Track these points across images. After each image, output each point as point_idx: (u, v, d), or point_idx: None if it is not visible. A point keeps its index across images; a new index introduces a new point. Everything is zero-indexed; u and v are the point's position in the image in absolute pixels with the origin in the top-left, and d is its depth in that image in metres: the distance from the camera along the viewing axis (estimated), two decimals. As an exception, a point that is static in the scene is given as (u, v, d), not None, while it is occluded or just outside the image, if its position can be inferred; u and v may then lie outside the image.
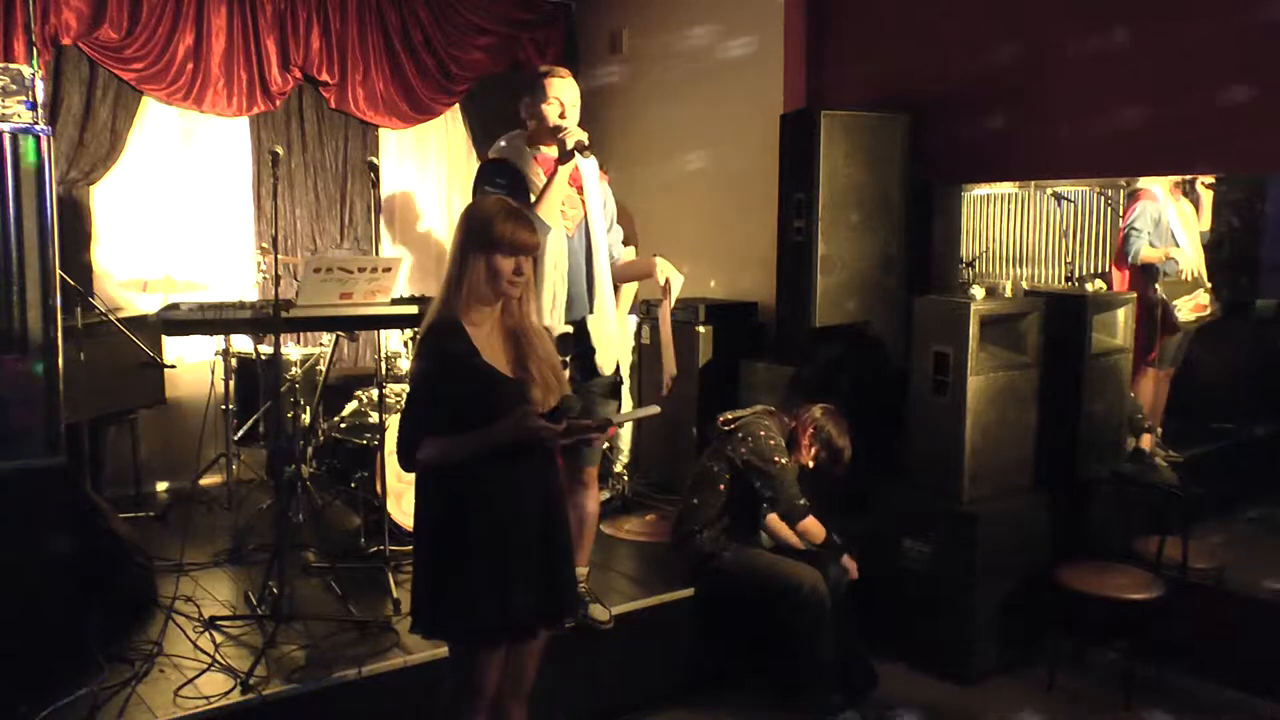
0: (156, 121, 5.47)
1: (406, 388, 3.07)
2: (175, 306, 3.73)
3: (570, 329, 3.47)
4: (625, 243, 3.77)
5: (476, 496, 2.52)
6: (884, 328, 4.86)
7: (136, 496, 5.09)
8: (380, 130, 6.14)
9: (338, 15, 5.80)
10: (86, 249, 5.23)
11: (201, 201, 5.63)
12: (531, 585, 2.56)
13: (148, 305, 5.13)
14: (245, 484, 5.37)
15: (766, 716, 3.84)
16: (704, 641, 4.01)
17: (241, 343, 5.13)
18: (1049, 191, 5.07)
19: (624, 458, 5.32)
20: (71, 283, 4.21)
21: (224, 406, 5.13)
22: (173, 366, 5.07)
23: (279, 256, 4.11)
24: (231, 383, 5.11)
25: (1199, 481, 4.62)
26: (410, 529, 3.82)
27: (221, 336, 5.05)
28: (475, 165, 3.79)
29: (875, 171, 4.80)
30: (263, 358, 4.93)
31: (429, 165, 6.43)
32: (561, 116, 3.38)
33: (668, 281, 3.45)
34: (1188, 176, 4.73)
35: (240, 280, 5.57)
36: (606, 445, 4.93)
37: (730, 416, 3.99)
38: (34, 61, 4.00)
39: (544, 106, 3.39)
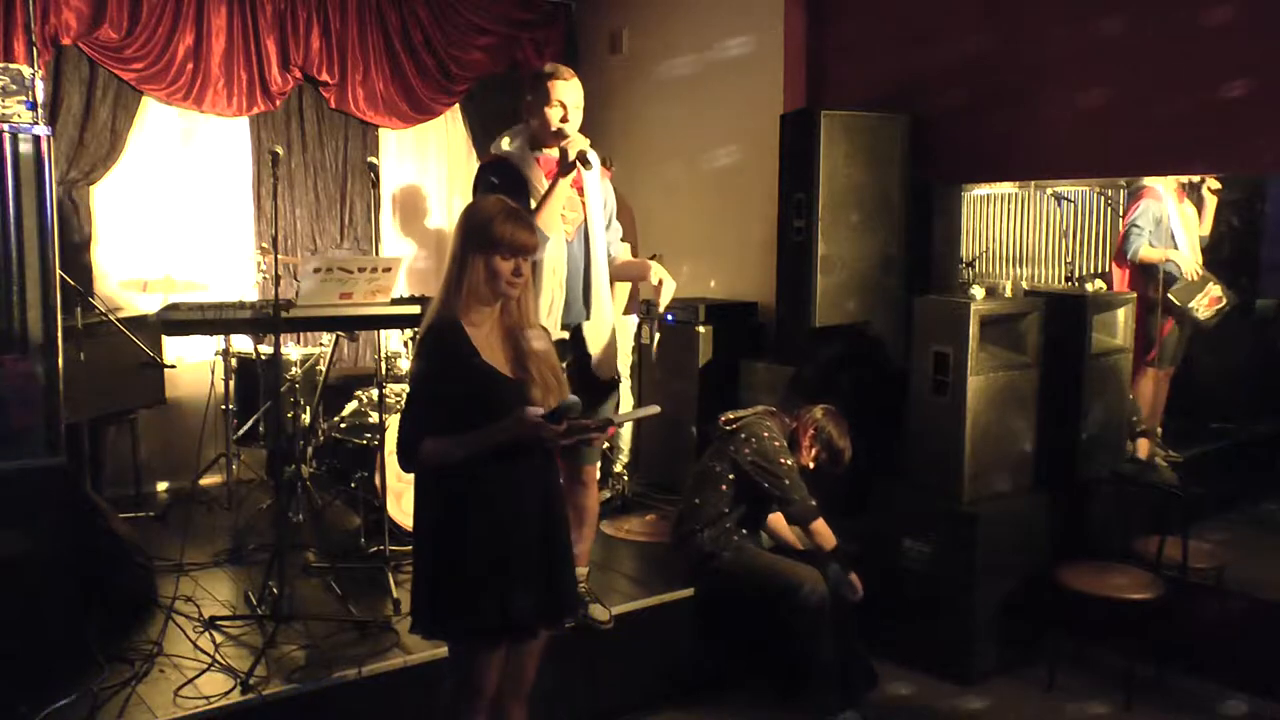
0: (156, 121, 5.47)
1: (406, 388, 3.07)
2: (175, 306, 3.73)
3: (566, 335, 3.46)
4: (622, 240, 3.76)
5: (476, 496, 2.52)
6: (884, 328, 4.86)
7: (136, 496, 5.09)
8: (380, 130, 6.14)
9: (338, 15, 5.80)
10: (86, 249, 5.23)
11: (201, 201, 5.63)
12: (531, 585, 2.56)
13: (148, 305, 5.13)
14: (245, 484, 5.37)
15: (766, 716, 3.84)
16: (704, 641, 4.01)
17: (241, 343, 5.13)
18: (1049, 191, 5.07)
19: (624, 457, 5.33)
20: (71, 283, 4.21)
21: (224, 406, 5.13)
22: (173, 366, 5.07)
23: (279, 256, 4.11)
24: (231, 383, 5.11)
25: (1199, 481, 4.62)
26: (410, 529, 3.82)
27: (221, 336, 5.06)
28: (475, 165, 3.79)
29: (875, 171, 4.81)
30: (263, 358, 4.93)
31: (429, 165, 6.43)
32: (564, 120, 3.36)
33: (661, 282, 3.48)
34: (1193, 179, 4.73)
35: (240, 280, 5.57)
36: (606, 445, 4.94)
37: (732, 416, 3.98)
38: (34, 61, 4.00)
39: (547, 110, 3.37)
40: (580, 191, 3.46)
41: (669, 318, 5.37)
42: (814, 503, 3.84)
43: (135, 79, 5.27)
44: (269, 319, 3.66)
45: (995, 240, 5.21)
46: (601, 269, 3.53)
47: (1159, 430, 4.95)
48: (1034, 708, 3.91)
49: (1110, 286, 4.81)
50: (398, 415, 3.53)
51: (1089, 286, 4.52)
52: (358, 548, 4.35)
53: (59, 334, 3.46)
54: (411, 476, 2.73)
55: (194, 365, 5.44)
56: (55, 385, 3.42)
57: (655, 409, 2.75)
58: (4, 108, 3.38)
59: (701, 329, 5.27)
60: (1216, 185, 4.79)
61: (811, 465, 3.93)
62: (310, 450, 4.84)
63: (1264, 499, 4.82)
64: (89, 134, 5.19)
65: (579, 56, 6.63)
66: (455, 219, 2.98)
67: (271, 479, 5.11)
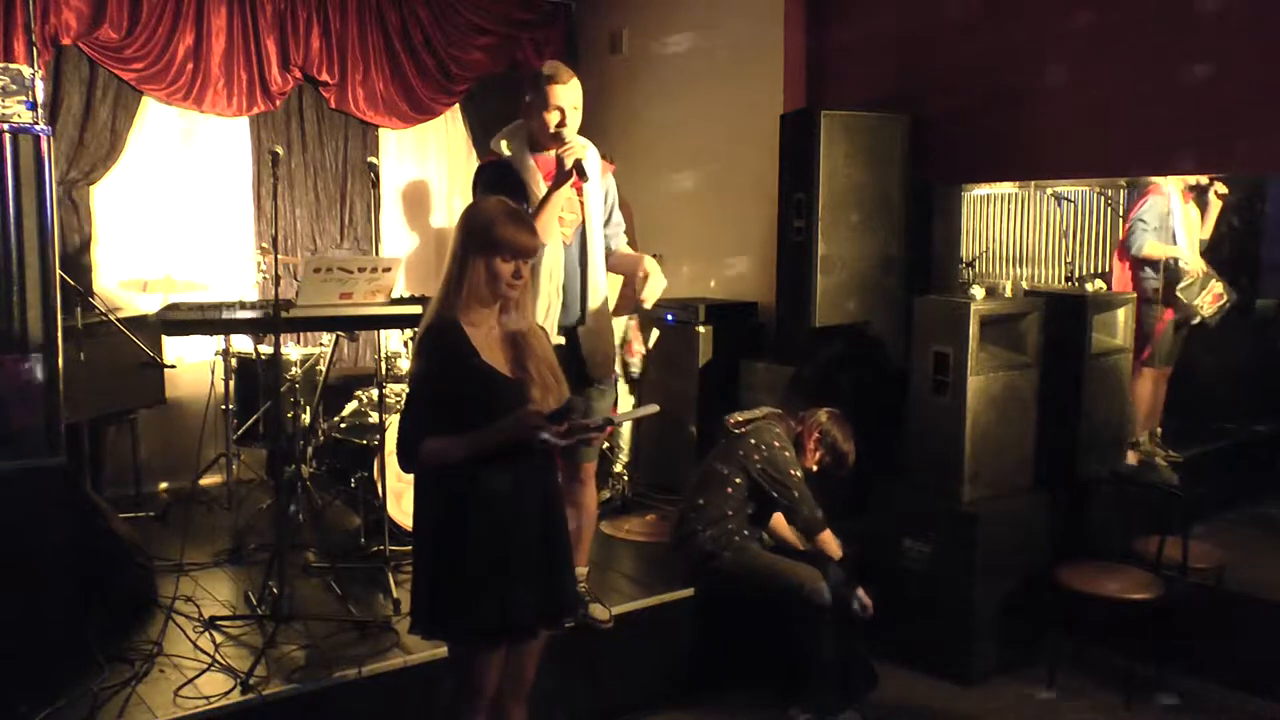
0: (156, 121, 5.47)
1: (406, 388, 3.06)
2: (175, 306, 3.73)
3: (563, 340, 3.46)
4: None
5: (476, 496, 2.52)
6: (884, 328, 4.86)
7: (136, 496, 5.08)
8: (380, 130, 6.14)
9: (338, 15, 5.80)
10: (86, 249, 5.23)
11: (201, 201, 5.63)
12: (531, 585, 2.56)
13: (148, 305, 5.13)
14: (245, 484, 5.37)
15: (766, 716, 3.84)
16: (704, 641, 4.01)
17: (241, 343, 5.13)
18: (1049, 191, 5.07)
19: (624, 457, 5.32)
20: (71, 283, 4.20)
21: (224, 406, 5.13)
22: (173, 366, 5.07)
23: (279, 256, 4.11)
24: (231, 383, 5.11)
25: (1199, 481, 4.62)
26: (410, 529, 3.82)
27: (221, 336, 5.05)
28: (475, 165, 3.78)
29: (875, 171, 4.81)
30: (263, 358, 4.93)
31: (429, 165, 6.43)
32: (561, 124, 3.35)
33: (646, 274, 3.39)
34: (1202, 181, 4.73)
35: (240, 280, 5.57)
36: (606, 445, 4.94)
37: (740, 419, 3.98)
38: (34, 61, 4.00)
39: (545, 114, 3.35)
40: (579, 191, 3.45)
41: (669, 317, 5.37)
42: (820, 514, 3.85)
43: (135, 79, 5.27)
44: (269, 319, 3.66)
45: (995, 240, 5.21)
46: (598, 272, 3.52)
47: (1158, 430, 4.96)
48: (1034, 708, 3.90)
49: (1110, 286, 4.81)
50: (398, 415, 3.53)
51: (1089, 286, 4.53)
52: (358, 548, 4.35)
53: (59, 334, 3.46)
54: (411, 476, 2.73)
55: (194, 365, 5.44)
56: (55, 385, 3.42)
57: (654, 408, 2.75)
58: (4, 108, 3.38)
59: (701, 329, 5.27)
60: (1224, 190, 4.80)
61: (815, 468, 3.94)
62: (310, 450, 4.84)
63: (1264, 499, 4.83)
64: (89, 134, 5.19)
65: (579, 56, 6.63)
66: (455, 219, 2.98)
67: (271, 479, 5.11)
